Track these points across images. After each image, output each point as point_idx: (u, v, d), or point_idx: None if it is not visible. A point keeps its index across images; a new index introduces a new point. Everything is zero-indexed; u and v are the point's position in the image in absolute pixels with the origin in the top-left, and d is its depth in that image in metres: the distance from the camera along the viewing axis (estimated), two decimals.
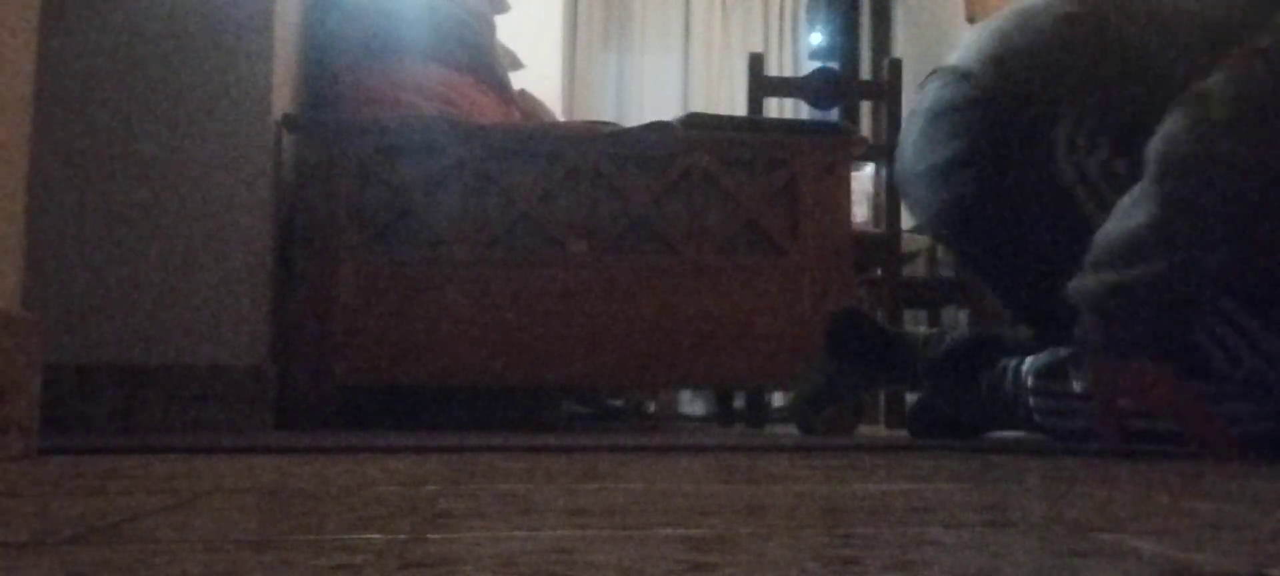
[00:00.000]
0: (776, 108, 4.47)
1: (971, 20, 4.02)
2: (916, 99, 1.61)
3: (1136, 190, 1.25)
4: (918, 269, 3.72)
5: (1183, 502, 0.68)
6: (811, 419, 1.81)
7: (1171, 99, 1.29)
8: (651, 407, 3.39)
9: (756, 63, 2.77)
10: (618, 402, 3.16)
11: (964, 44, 1.56)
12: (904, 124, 1.66)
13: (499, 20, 2.56)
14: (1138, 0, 1.42)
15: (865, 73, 5.02)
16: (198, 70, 1.93)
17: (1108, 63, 1.39)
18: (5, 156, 1.13)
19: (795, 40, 5.03)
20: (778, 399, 3.53)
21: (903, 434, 2.16)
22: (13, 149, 1.15)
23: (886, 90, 2.74)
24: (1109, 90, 1.38)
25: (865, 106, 4.77)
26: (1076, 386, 1.42)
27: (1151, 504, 0.67)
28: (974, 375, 1.58)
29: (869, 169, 3.73)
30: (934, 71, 1.58)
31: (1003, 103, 1.43)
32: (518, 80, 2.60)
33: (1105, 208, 1.34)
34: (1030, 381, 1.47)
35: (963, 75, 1.49)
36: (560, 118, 3.33)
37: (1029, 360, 1.50)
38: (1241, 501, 0.69)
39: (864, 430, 2.03)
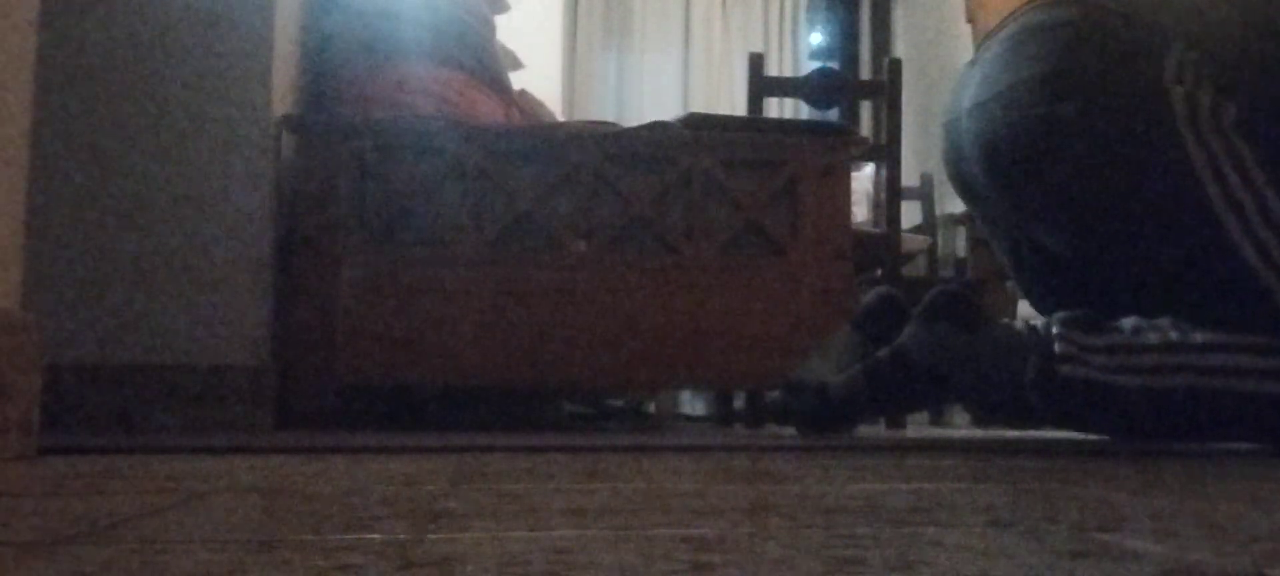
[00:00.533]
0: (776, 108, 4.47)
1: (971, 20, 4.01)
2: (983, 47, 1.52)
3: None
4: (918, 269, 3.72)
5: (1183, 502, 0.68)
6: (813, 406, 1.56)
7: (1268, 43, 1.30)
8: (651, 407, 3.39)
9: (756, 63, 2.78)
10: (618, 402, 3.16)
11: None
12: (963, 72, 1.58)
13: (499, 20, 2.56)
14: None
15: (865, 73, 5.02)
16: (198, 70, 1.93)
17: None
18: (5, 156, 1.13)
19: (795, 40, 5.04)
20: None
21: (903, 434, 2.16)
22: (13, 148, 1.15)
23: (886, 90, 2.74)
24: (1213, 23, 1.35)
25: (865, 106, 4.77)
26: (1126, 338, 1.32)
27: (1151, 504, 0.67)
28: (967, 324, 1.44)
29: (869, 169, 3.73)
30: (1013, 11, 1.49)
31: (1108, 22, 1.37)
32: (518, 80, 2.60)
33: (1220, 175, 1.30)
34: (1056, 328, 1.36)
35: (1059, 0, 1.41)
36: (560, 118, 3.33)
37: (1058, 314, 1.41)
38: (1241, 501, 0.69)
39: (864, 430, 2.03)
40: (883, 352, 1.49)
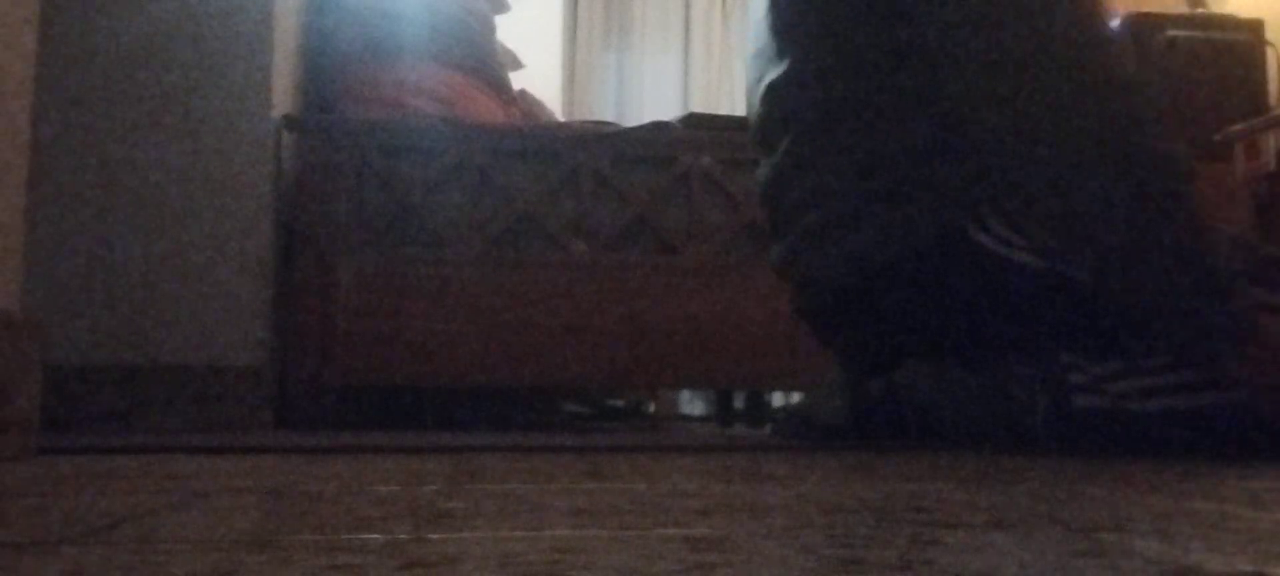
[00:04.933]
0: None
1: None
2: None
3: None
4: None
5: (1183, 502, 0.68)
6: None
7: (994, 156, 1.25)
8: (651, 407, 3.39)
9: None
10: (618, 402, 3.16)
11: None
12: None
13: (499, 20, 2.56)
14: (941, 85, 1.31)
15: None
16: (198, 70, 1.93)
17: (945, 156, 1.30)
18: (5, 157, 1.13)
19: None
20: (778, 399, 3.52)
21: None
22: (12, 149, 1.15)
23: None
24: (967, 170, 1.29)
25: None
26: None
27: (1151, 504, 0.67)
28: (969, 365, 1.37)
29: None
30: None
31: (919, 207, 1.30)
32: (518, 80, 2.60)
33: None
34: (1065, 357, 1.24)
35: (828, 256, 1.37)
36: (560, 118, 3.33)
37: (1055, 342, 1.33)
38: (1241, 501, 0.69)
39: None
40: (873, 386, 1.43)
